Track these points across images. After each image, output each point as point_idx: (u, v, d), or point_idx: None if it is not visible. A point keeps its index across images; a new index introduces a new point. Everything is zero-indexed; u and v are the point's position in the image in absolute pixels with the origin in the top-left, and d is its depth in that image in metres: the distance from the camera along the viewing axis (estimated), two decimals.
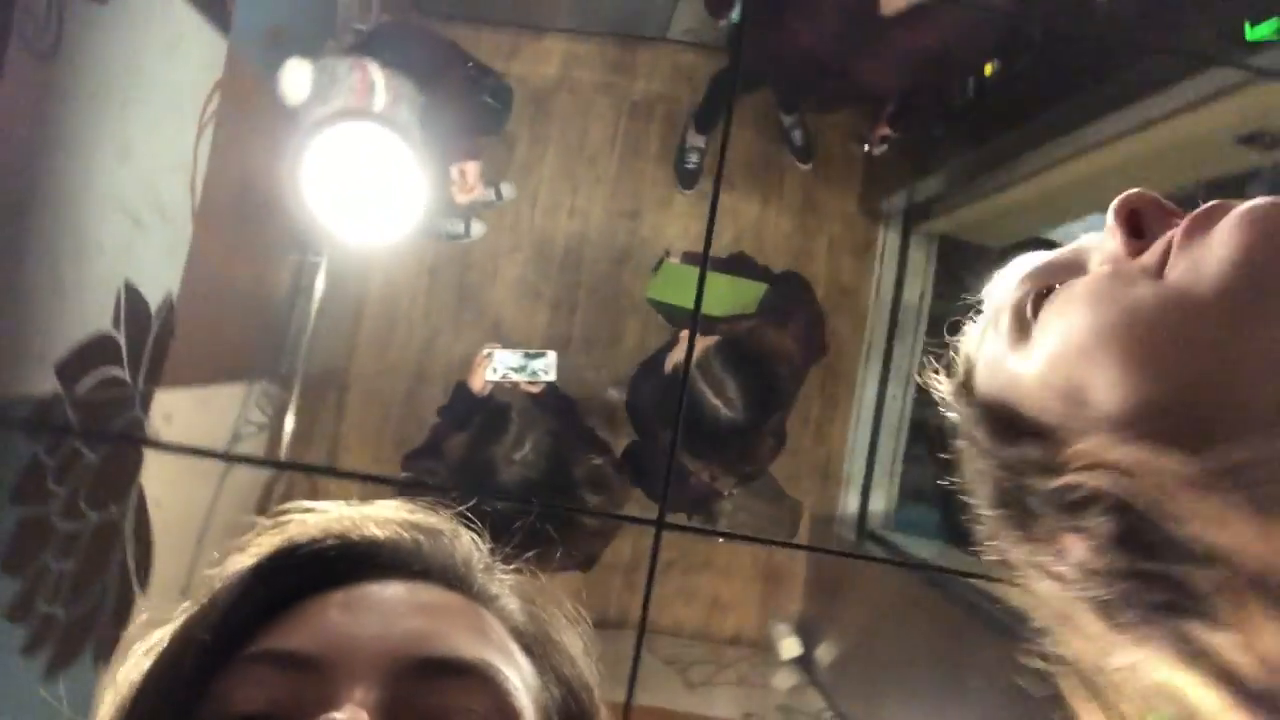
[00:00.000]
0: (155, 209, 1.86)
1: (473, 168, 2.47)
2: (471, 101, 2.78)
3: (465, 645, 0.47)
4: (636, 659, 1.80)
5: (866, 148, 3.34)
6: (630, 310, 3.38)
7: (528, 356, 2.22)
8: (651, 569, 1.45)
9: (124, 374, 1.82)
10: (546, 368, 2.22)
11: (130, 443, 1.82)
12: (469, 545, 0.57)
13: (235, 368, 2.56)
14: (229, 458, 2.47)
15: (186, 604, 0.50)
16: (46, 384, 1.60)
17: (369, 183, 1.83)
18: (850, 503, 3.45)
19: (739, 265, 2.65)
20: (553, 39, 3.40)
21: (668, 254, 2.89)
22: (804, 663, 3.28)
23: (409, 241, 3.21)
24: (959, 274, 3.54)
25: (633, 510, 2.31)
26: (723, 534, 1.96)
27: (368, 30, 2.28)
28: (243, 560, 0.51)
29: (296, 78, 1.91)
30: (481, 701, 0.45)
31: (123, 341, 1.80)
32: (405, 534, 0.54)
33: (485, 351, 2.23)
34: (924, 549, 3.34)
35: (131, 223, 1.77)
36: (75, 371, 1.66)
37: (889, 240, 3.49)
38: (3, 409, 1.52)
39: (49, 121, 1.54)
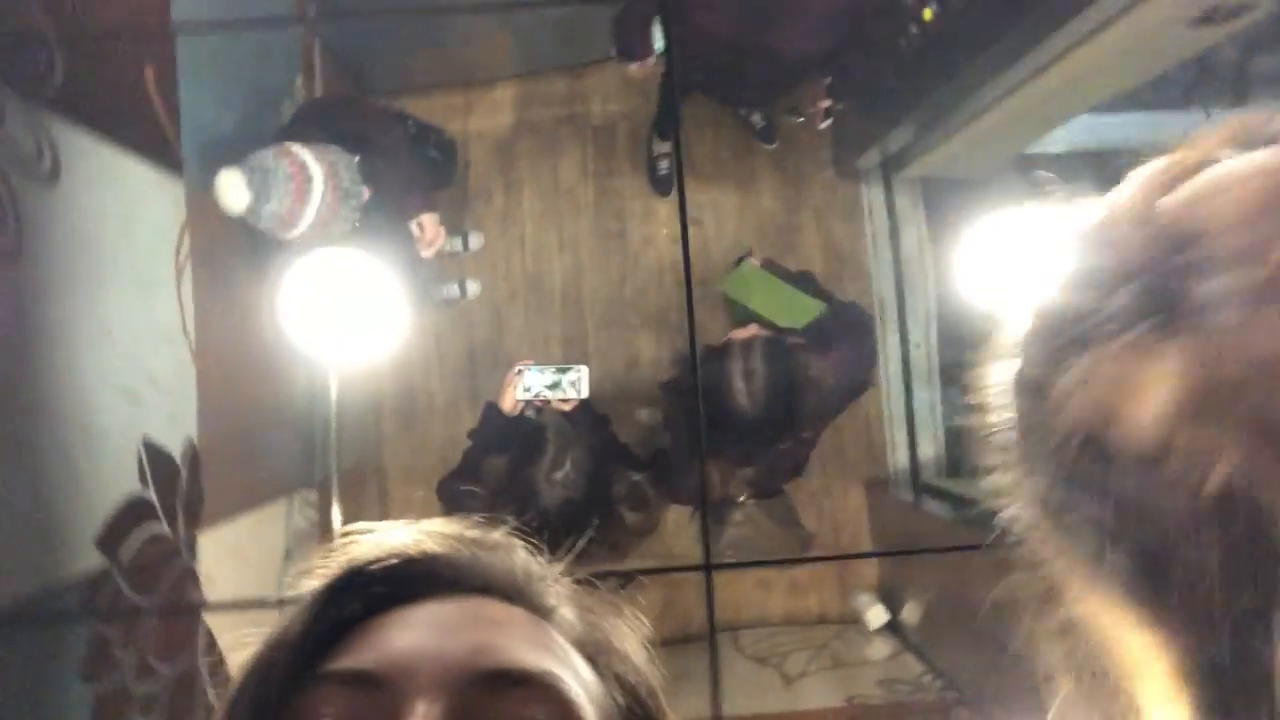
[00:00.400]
0: (148, 380, 1.86)
1: (430, 219, 2.46)
2: (417, 157, 2.81)
3: (526, 656, 0.49)
4: (715, 684, 1.79)
5: (801, 120, 3.37)
6: (640, 327, 3.40)
7: (558, 372, 2.16)
8: (710, 610, 1.45)
9: (164, 528, 1.83)
10: (578, 382, 2.15)
11: (181, 611, 1.81)
12: (526, 558, 0.58)
13: (272, 487, 2.58)
14: (280, 603, 2.46)
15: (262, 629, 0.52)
16: (91, 560, 1.60)
17: (352, 299, 1.81)
18: (899, 460, 3.45)
19: (805, 282, 2.67)
20: (502, 87, 3.44)
21: (750, 254, 2.91)
22: (893, 628, 3.27)
23: (408, 317, 3.26)
24: (948, 214, 3.55)
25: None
26: (772, 562, 1.94)
27: (295, 111, 2.27)
28: (311, 584, 0.52)
29: (231, 187, 1.90)
30: (545, 710, 0.47)
31: (154, 498, 1.81)
32: (463, 549, 0.55)
33: (516, 369, 2.18)
34: (980, 489, 3.34)
35: (129, 398, 1.78)
36: (116, 540, 1.66)
37: (873, 196, 3.50)
38: (54, 597, 1.51)
39: (28, 316, 1.53)
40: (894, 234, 3.47)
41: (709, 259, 3.43)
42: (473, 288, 3.38)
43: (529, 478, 1.97)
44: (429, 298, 3.31)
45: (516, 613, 0.54)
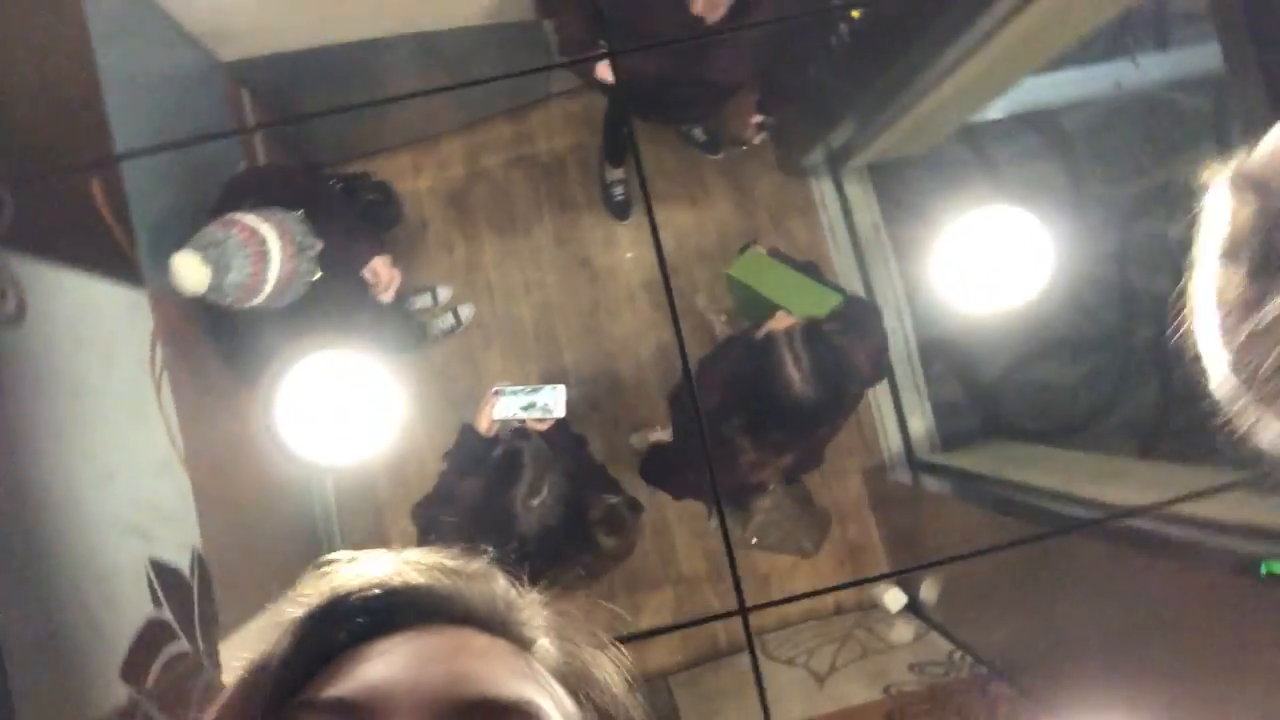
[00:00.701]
0: (153, 511, 1.83)
1: (380, 262, 2.45)
2: (354, 206, 2.80)
3: (506, 685, 0.49)
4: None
5: (745, 149, 3.44)
6: (619, 354, 3.41)
7: (534, 392, 2.13)
8: (751, 649, 1.46)
9: (184, 645, 1.80)
10: (554, 402, 2.13)
11: None
12: (506, 588, 0.59)
13: (282, 580, 2.53)
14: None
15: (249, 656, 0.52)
16: (119, 693, 1.57)
17: (346, 400, 1.79)
18: (892, 443, 3.48)
19: (812, 272, 2.69)
20: (448, 141, 3.44)
21: (755, 241, 2.92)
22: (914, 609, 3.30)
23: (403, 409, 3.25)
24: (897, 193, 3.61)
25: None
26: (805, 595, 1.95)
27: (218, 194, 2.24)
28: (293, 612, 0.53)
29: (188, 269, 1.86)
30: None
31: (170, 617, 1.78)
32: (445, 579, 0.56)
33: (493, 390, 2.15)
34: (974, 457, 3.38)
35: (137, 534, 1.75)
36: (139, 667, 1.63)
37: (824, 189, 3.55)
38: None
39: (17, 461, 1.49)
40: (849, 222, 3.52)
41: (675, 273, 3.45)
42: (465, 312, 3.37)
43: (505, 503, 1.91)
44: (429, 336, 3.31)
45: (497, 643, 0.54)
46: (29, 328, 1.61)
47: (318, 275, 2.14)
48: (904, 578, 3.33)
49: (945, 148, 3.62)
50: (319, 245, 2.15)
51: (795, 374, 1.99)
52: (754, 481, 2.40)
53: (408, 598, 0.54)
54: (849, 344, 2.12)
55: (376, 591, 0.53)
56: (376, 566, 0.55)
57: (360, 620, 0.52)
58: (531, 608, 0.60)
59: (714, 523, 2.90)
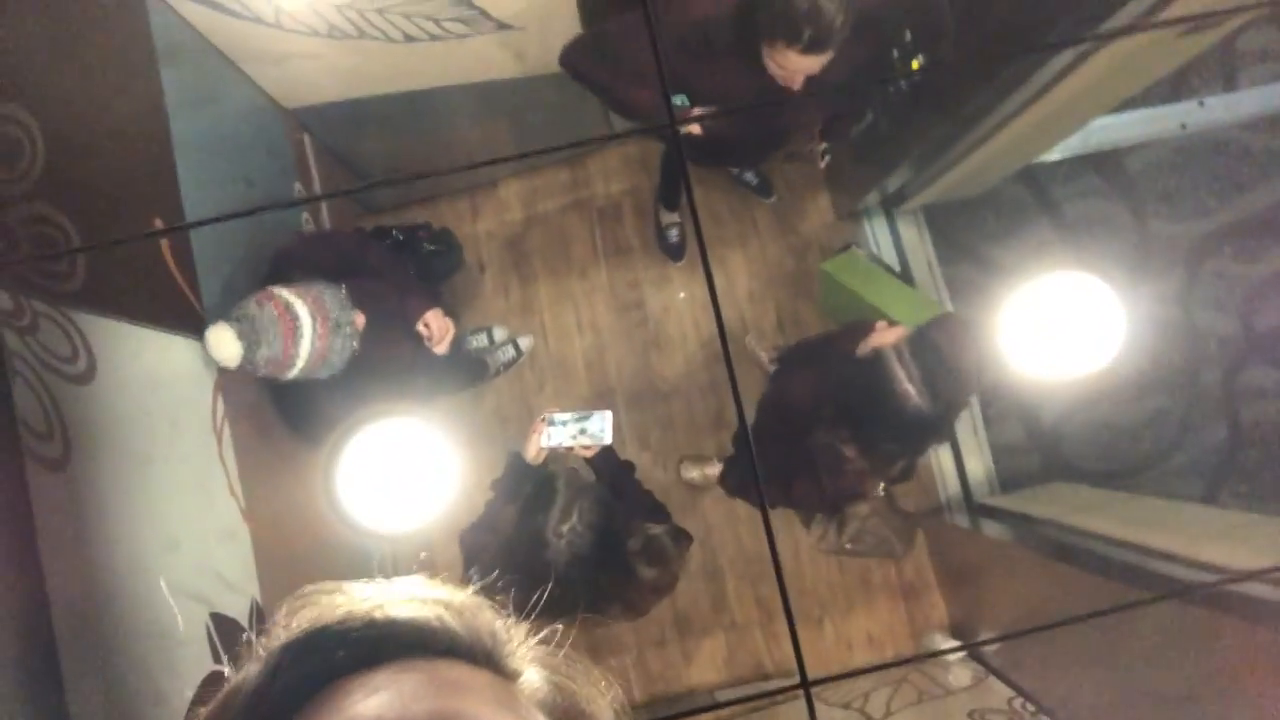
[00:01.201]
0: (217, 579, 1.84)
1: (433, 315, 2.47)
2: (411, 259, 2.83)
3: None
4: None
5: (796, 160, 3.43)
6: (671, 394, 3.41)
7: (582, 419, 2.13)
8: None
9: None
10: (602, 429, 2.13)
11: None
12: (492, 619, 0.57)
13: None
14: None
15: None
16: None
17: (403, 472, 1.81)
18: (950, 485, 3.43)
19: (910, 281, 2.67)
20: (505, 186, 3.49)
21: (855, 244, 2.91)
22: (974, 655, 3.22)
23: (442, 410, 3.27)
24: (952, 234, 3.57)
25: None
26: (868, 669, 1.92)
27: (268, 265, 2.29)
28: (271, 644, 0.52)
29: (222, 342, 1.90)
30: None
31: (228, 670, 1.78)
32: (429, 611, 0.54)
33: (541, 417, 2.15)
34: (1034, 500, 3.31)
35: (200, 601, 1.76)
36: None
37: (877, 230, 3.52)
38: None
39: (83, 526, 1.50)
40: (904, 264, 3.48)
41: (727, 313, 3.46)
42: (525, 343, 3.40)
43: (537, 529, 1.88)
44: (491, 371, 3.34)
45: (481, 676, 0.53)
46: (98, 387, 1.65)
47: (355, 348, 2.15)
48: (959, 631, 3.26)
49: (1003, 188, 3.58)
50: (358, 319, 2.16)
51: (911, 389, 1.96)
52: (860, 491, 2.34)
53: (389, 630, 0.53)
54: (954, 354, 2.07)
55: (357, 624, 0.52)
56: (359, 599, 0.54)
57: (341, 653, 0.51)
58: (518, 640, 0.59)
59: (812, 534, 2.85)
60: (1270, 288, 3.63)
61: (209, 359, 2.05)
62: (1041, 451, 3.62)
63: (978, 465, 3.42)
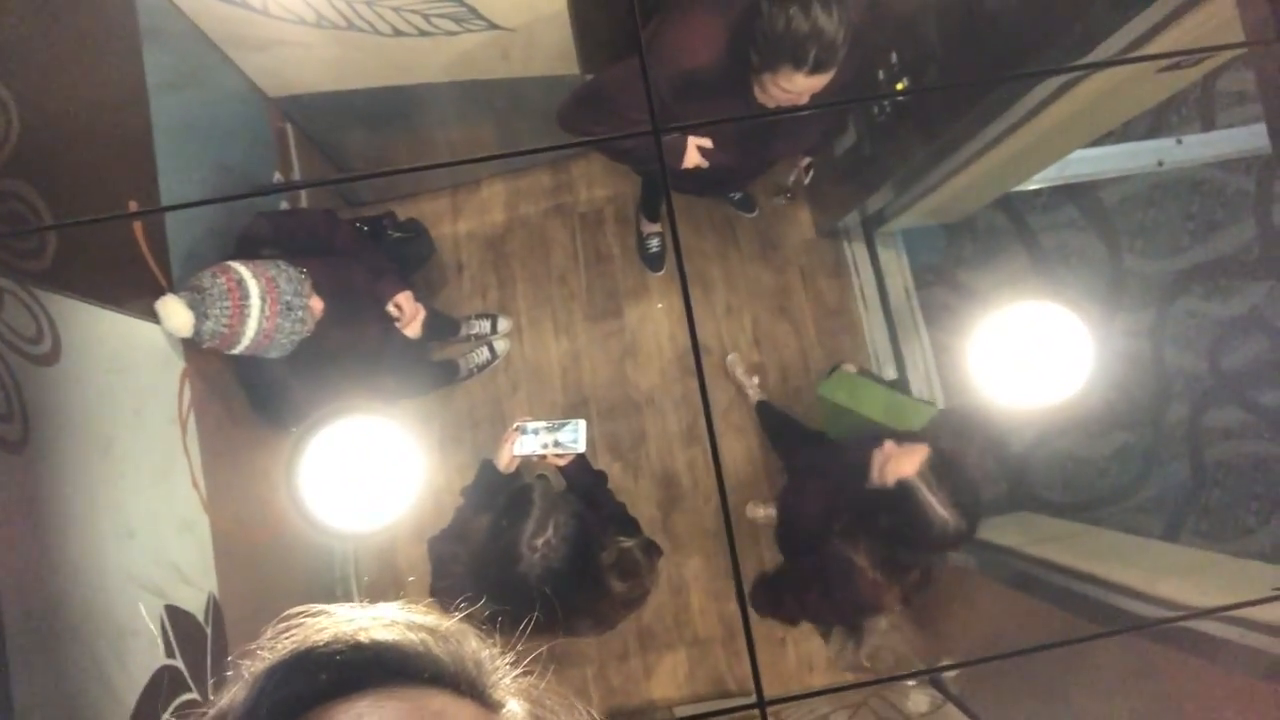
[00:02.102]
0: (173, 571, 1.81)
1: (404, 298, 2.46)
2: (379, 244, 2.82)
3: None
4: None
5: (789, 196, 3.46)
6: (645, 404, 3.41)
7: (555, 428, 2.12)
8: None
9: (194, 693, 1.76)
10: (575, 438, 2.11)
11: None
12: (477, 648, 0.57)
13: None
14: None
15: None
16: None
17: (367, 472, 1.79)
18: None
19: (903, 388, 2.70)
20: (488, 185, 3.47)
21: (842, 363, 2.95)
22: (933, 681, 3.23)
23: (414, 410, 3.24)
24: (930, 258, 3.60)
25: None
26: (827, 690, 1.92)
27: (236, 241, 2.27)
28: (254, 666, 0.51)
29: (172, 312, 1.90)
30: None
31: (182, 664, 1.75)
32: (414, 637, 0.54)
33: (514, 426, 2.13)
34: (999, 529, 3.33)
35: (154, 592, 1.73)
36: (148, 717, 1.60)
37: (856, 251, 3.55)
38: None
39: (38, 509, 1.47)
40: (880, 285, 3.51)
41: (704, 327, 3.46)
42: (501, 345, 3.38)
43: (510, 542, 1.85)
44: (464, 373, 3.31)
45: (465, 707, 0.53)
46: (62, 369, 1.61)
47: (307, 333, 2.14)
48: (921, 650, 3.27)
49: (981, 215, 3.61)
50: (314, 304, 2.14)
51: (944, 512, 1.96)
52: (876, 603, 2.34)
53: (374, 656, 0.52)
54: (965, 456, 2.08)
55: (342, 648, 0.52)
56: (345, 622, 0.54)
57: (324, 677, 0.50)
58: (502, 669, 0.58)
59: (831, 648, 2.86)
60: (1239, 328, 3.69)
61: (175, 345, 2.03)
62: (1008, 480, 3.65)
63: None
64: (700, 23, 2.12)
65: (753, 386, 3.38)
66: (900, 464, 2.04)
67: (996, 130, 2.35)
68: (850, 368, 2.86)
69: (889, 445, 2.09)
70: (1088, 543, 3.05)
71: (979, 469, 2.09)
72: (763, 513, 3.30)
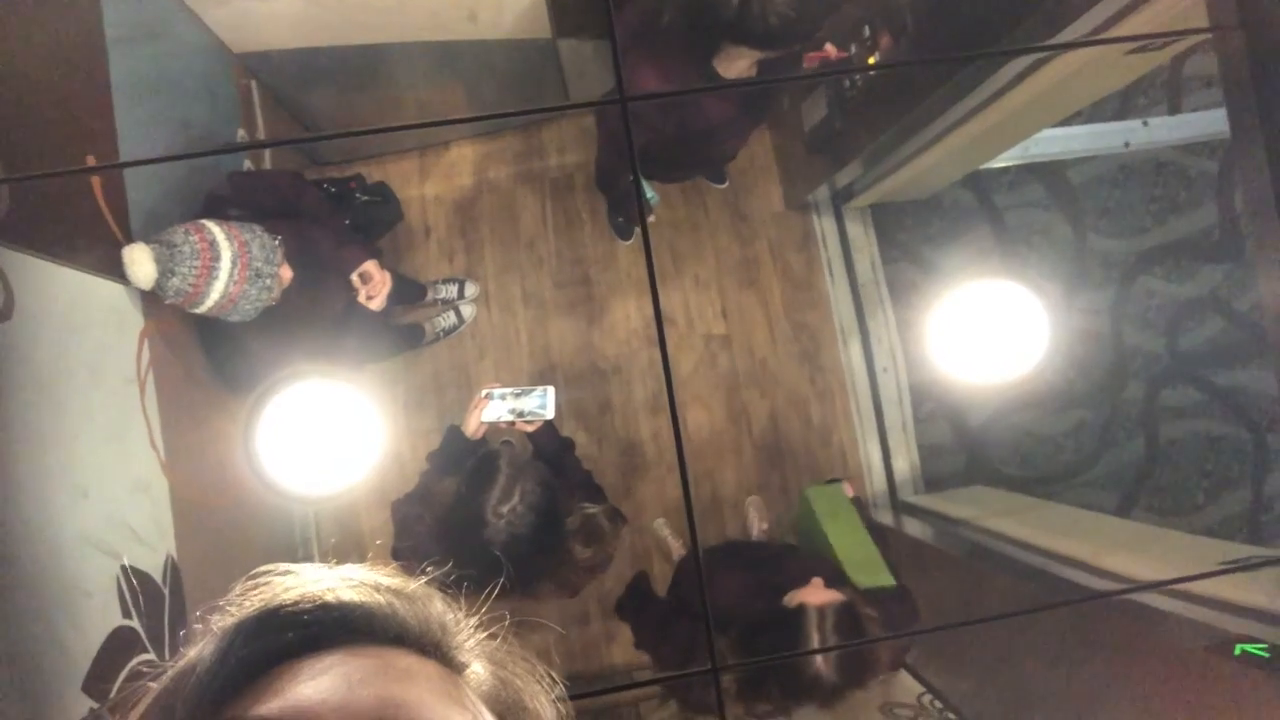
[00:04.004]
0: (128, 533, 1.78)
1: (371, 266, 2.43)
2: (344, 209, 2.79)
3: (434, 713, 0.49)
4: None
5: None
6: (611, 373, 3.41)
7: (523, 395, 2.13)
8: (720, 706, 1.46)
9: (151, 654, 1.75)
10: (543, 404, 2.13)
11: None
12: (442, 611, 0.58)
13: None
14: None
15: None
16: (81, 707, 1.53)
17: (326, 436, 1.77)
18: (877, 482, 3.49)
19: (883, 545, 2.66)
20: (457, 148, 3.43)
21: (848, 480, 2.93)
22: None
23: (379, 374, 3.22)
24: (897, 234, 3.62)
25: None
26: (778, 657, 1.93)
27: (202, 202, 2.24)
28: (221, 622, 0.52)
29: (137, 261, 1.87)
30: None
31: (139, 625, 1.74)
32: (381, 598, 0.55)
33: (483, 393, 2.14)
34: (956, 502, 3.39)
35: (109, 554, 1.71)
36: (103, 679, 1.59)
37: (825, 226, 3.56)
38: None
39: None
40: (848, 260, 3.53)
41: (671, 298, 3.46)
42: (468, 310, 3.35)
43: (476, 507, 1.87)
44: (430, 337, 3.29)
45: (428, 665, 0.54)
46: (16, 325, 1.59)
47: (272, 300, 2.11)
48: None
49: (949, 192, 3.64)
50: (284, 273, 2.12)
51: (818, 658, 1.92)
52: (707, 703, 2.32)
53: (340, 615, 0.53)
54: (875, 630, 2.03)
55: (309, 607, 0.52)
56: (311, 582, 0.55)
57: (290, 635, 0.51)
58: (466, 632, 0.59)
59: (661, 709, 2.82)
60: (1197, 309, 3.76)
61: (135, 302, 2.00)
62: (967, 454, 3.70)
63: (904, 464, 3.49)
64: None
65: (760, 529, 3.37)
66: (809, 594, 2.03)
67: (966, 108, 2.36)
68: (849, 489, 2.85)
69: (815, 581, 2.07)
70: (1041, 516, 3.12)
71: (881, 652, 2.05)
72: (676, 544, 3.30)
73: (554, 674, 0.63)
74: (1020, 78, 2.18)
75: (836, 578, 2.29)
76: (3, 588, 1.41)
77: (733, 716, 2.17)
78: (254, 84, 2.86)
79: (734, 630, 2.13)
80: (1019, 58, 2.03)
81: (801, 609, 1.98)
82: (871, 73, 2.40)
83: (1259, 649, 1.73)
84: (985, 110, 2.34)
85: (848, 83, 2.59)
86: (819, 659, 1.91)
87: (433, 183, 3.42)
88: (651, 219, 3.28)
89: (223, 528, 2.28)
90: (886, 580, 2.50)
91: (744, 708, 2.16)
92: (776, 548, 2.81)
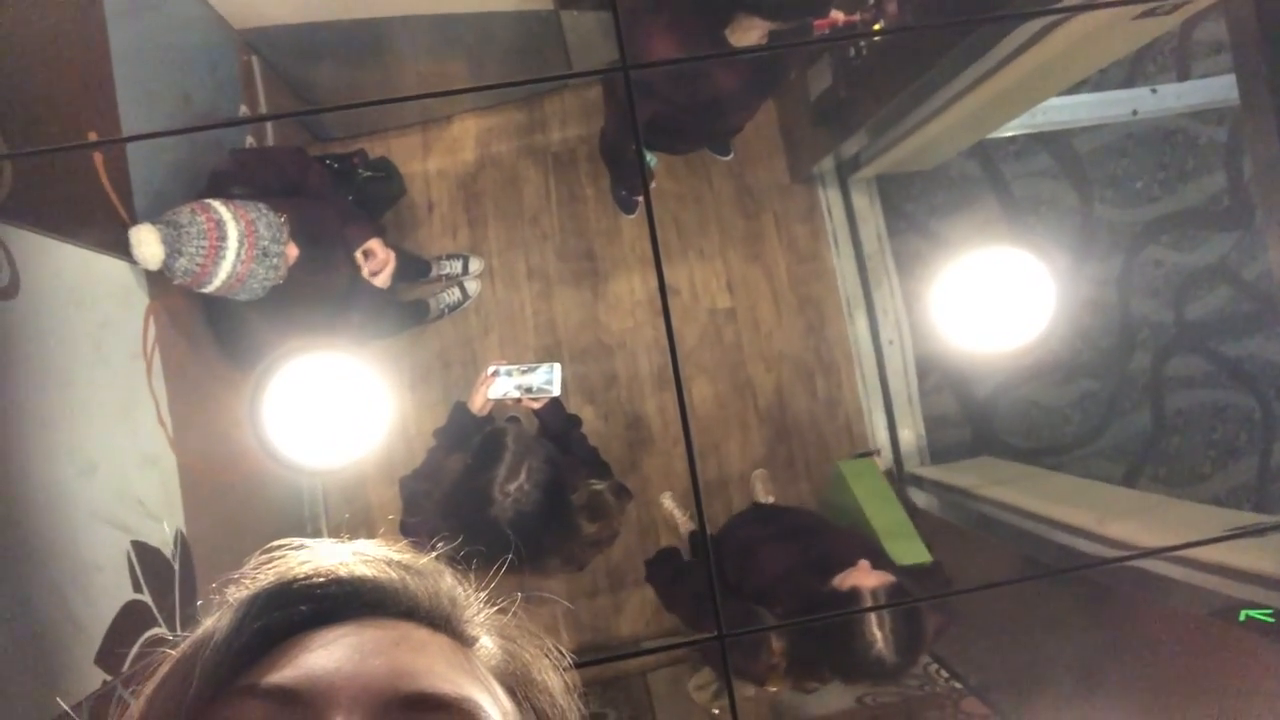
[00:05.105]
0: (137, 506, 1.80)
1: (376, 244, 2.43)
2: (347, 185, 2.78)
3: (446, 681, 0.50)
4: None
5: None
6: (616, 347, 3.41)
7: (530, 371, 2.13)
8: (727, 675, 1.47)
9: (162, 629, 1.77)
10: (549, 381, 2.13)
11: None
12: (452, 585, 0.59)
13: None
14: None
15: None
16: (94, 678, 1.54)
17: (332, 407, 1.78)
18: (882, 453, 3.49)
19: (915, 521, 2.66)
20: (460, 122, 3.41)
21: (878, 452, 2.92)
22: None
23: (384, 350, 3.23)
24: (903, 205, 3.60)
25: None
26: (786, 624, 1.94)
27: (206, 181, 2.23)
28: (237, 594, 0.53)
29: (144, 242, 1.87)
30: None
31: (150, 599, 1.75)
32: (392, 573, 0.56)
33: (489, 370, 2.14)
34: (962, 472, 3.39)
35: (119, 528, 1.72)
36: (116, 652, 1.61)
37: (830, 197, 3.54)
38: None
39: (1, 444, 1.46)
40: (853, 231, 3.51)
41: (675, 271, 3.46)
42: (472, 286, 3.34)
43: (483, 485, 1.87)
44: (435, 313, 3.29)
45: (439, 638, 0.55)
46: (21, 303, 1.59)
47: (280, 279, 2.11)
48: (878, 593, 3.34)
49: (955, 162, 3.61)
50: (290, 251, 2.11)
51: (878, 635, 1.93)
52: (757, 676, 2.33)
53: (353, 589, 0.54)
54: (926, 613, 2.04)
55: (322, 580, 0.53)
56: (325, 556, 0.56)
57: (304, 608, 0.52)
58: (476, 607, 0.60)
59: (696, 678, 2.85)
60: (1205, 278, 3.74)
61: (140, 280, 2.00)
62: (973, 425, 3.70)
63: (910, 435, 3.49)
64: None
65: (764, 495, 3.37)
66: (861, 577, 2.03)
67: (973, 75, 2.33)
68: (880, 464, 2.84)
69: (863, 564, 2.07)
70: (1047, 486, 3.12)
71: (930, 631, 2.06)
72: (683, 518, 3.30)
73: (561, 647, 0.64)
74: (1028, 44, 2.16)
75: (877, 555, 2.30)
76: (16, 562, 1.42)
77: (772, 681, 2.20)
78: (255, 60, 2.84)
79: (780, 608, 2.15)
80: (1025, 23, 2.00)
81: (854, 592, 2.00)
82: (877, 38, 2.38)
83: (1264, 614, 1.74)
84: (992, 78, 2.32)
85: (853, 51, 2.56)
86: (879, 641, 1.92)
87: (435, 157, 3.41)
88: (653, 184, 3.26)
89: (231, 503, 2.29)
90: (924, 556, 2.52)
91: (792, 683, 2.19)
92: (809, 515, 2.80)
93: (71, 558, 1.55)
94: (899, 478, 3.45)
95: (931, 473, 3.41)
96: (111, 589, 1.66)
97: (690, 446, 2.07)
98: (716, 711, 2.66)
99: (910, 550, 2.51)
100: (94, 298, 1.82)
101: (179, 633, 0.53)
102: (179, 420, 2.03)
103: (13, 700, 1.32)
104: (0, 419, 1.47)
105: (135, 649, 1.64)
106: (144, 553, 1.77)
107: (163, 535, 1.88)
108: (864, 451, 3.00)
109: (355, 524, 3.08)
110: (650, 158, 2.37)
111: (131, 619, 1.67)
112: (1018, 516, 2.71)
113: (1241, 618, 1.81)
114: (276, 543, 0.57)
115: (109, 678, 1.54)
